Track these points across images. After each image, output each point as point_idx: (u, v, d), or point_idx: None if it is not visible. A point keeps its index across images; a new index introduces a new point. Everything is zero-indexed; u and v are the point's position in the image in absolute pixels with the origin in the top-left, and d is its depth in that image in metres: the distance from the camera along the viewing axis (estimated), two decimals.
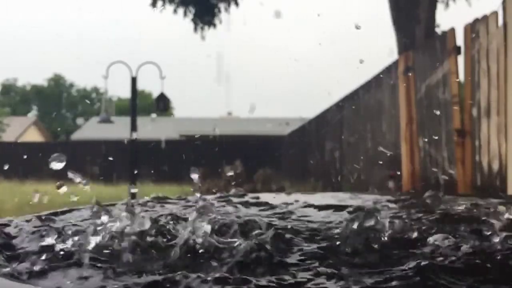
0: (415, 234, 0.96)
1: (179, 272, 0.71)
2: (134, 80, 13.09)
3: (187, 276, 0.70)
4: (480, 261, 0.78)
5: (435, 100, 6.16)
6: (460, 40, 5.57)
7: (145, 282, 0.70)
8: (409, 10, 9.12)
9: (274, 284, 0.70)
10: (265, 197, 1.56)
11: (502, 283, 0.73)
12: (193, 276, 0.70)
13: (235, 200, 1.52)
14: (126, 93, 14.44)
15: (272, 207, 1.39)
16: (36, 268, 0.79)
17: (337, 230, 1.00)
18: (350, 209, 1.30)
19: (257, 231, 0.92)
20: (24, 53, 73.40)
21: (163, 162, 16.30)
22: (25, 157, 20.29)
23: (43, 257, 0.83)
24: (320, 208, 1.37)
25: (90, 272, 0.77)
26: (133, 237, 0.88)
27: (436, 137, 6.14)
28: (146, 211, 1.25)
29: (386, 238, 0.92)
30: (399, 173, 7.17)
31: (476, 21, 5.20)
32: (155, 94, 15.51)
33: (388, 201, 1.54)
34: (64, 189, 1.02)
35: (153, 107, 15.94)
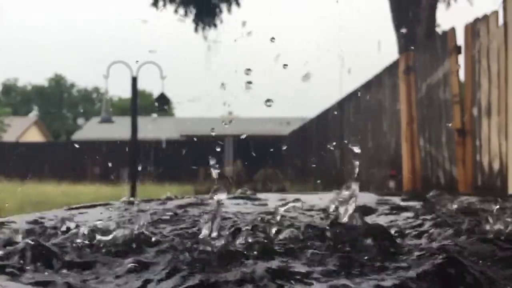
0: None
1: None
2: (134, 80, 13.07)
3: None
4: None
5: (435, 100, 6.16)
6: (460, 40, 5.58)
7: None
8: (410, 10, 9.12)
9: None
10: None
11: None
12: None
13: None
14: (126, 93, 14.44)
15: None
16: None
17: None
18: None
19: None
20: (24, 53, 73.38)
21: (164, 162, 16.31)
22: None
23: None
24: None
25: None
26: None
27: (437, 137, 6.14)
28: None
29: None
30: (400, 172, 7.17)
31: (477, 20, 5.20)
32: (156, 94, 15.49)
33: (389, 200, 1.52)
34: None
35: (154, 106, 15.92)
